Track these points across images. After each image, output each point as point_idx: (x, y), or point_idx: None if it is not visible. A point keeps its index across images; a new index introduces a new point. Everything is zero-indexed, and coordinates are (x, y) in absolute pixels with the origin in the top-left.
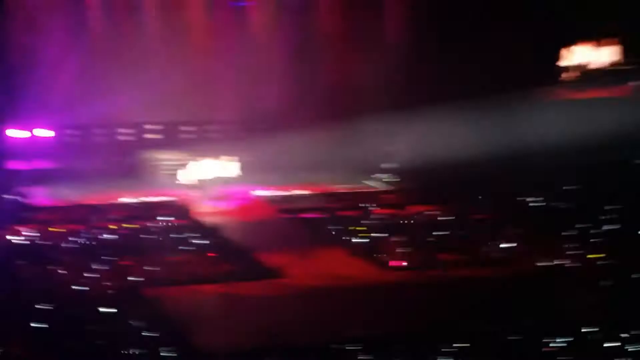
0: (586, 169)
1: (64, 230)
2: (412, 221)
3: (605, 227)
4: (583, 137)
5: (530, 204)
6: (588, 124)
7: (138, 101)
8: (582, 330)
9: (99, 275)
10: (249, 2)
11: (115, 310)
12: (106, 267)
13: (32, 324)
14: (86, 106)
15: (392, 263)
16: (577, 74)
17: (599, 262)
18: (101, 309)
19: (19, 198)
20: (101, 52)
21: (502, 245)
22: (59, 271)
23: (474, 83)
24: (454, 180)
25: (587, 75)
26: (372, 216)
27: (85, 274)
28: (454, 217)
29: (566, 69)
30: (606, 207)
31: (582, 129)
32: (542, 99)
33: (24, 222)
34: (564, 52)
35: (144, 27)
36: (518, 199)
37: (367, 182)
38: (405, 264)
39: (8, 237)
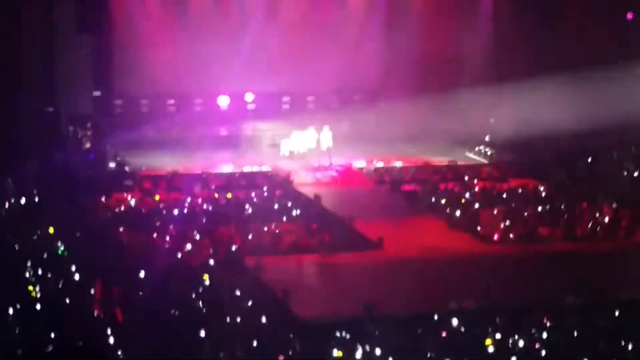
0: None
1: (167, 198)
2: (512, 194)
3: None
4: None
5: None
6: None
7: (238, 71)
8: None
9: (200, 244)
10: None
11: (216, 278)
12: (207, 236)
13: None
14: (187, 76)
15: (492, 236)
16: None
17: None
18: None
19: (122, 166)
20: (203, 23)
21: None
22: (161, 239)
23: (575, 55)
24: (555, 153)
25: None
26: (472, 189)
27: (186, 243)
28: (554, 191)
29: None
30: None
31: None
32: None
33: (128, 190)
34: None
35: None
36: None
37: (468, 155)
38: (505, 236)
39: (112, 204)
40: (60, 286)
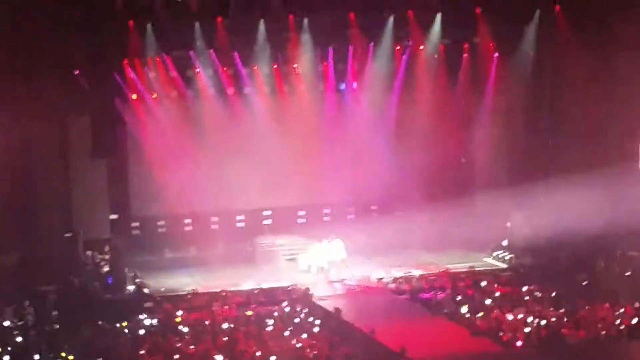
0: None
1: (187, 318)
2: (532, 298)
3: None
4: None
5: None
6: None
7: (253, 188)
8: None
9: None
10: (352, 87)
11: None
12: (228, 355)
13: None
14: (202, 195)
15: (515, 341)
16: None
17: None
18: None
19: (142, 288)
20: (217, 142)
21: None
22: None
23: (589, 155)
24: (574, 255)
25: None
26: (492, 294)
27: None
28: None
29: None
30: None
31: None
32: None
33: (148, 312)
34: None
35: (254, 113)
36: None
37: (486, 260)
38: (528, 340)
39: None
40: None
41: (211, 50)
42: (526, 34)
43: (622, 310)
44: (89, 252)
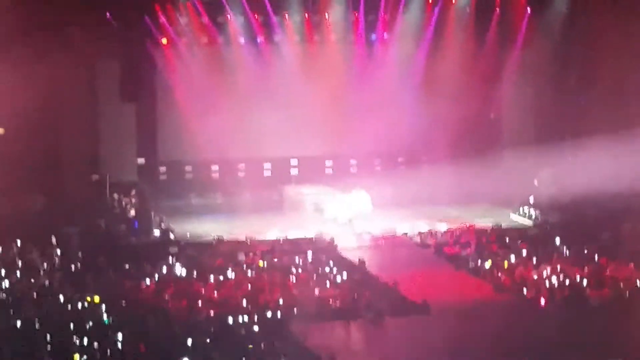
0: None
1: (212, 264)
2: (557, 256)
3: None
4: None
5: None
6: None
7: (281, 137)
8: None
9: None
10: (383, 37)
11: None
12: (252, 303)
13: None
14: (230, 142)
15: (539, 299)
16: None
17: None
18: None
19: (167, 233)
20: (246, 90)
21: None
22: (206, 307)
23: (618, 115)
24: (600, 214)
25: None
26: (518, 251)
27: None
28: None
29: None
30: None
31: None
32: None
33: (174, 257)
34: None
35: (283, 61)
36: None
37: (512, 217)
38: (551, 298)
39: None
40: (106, 355)
41: None
42: None
43: None
44: (115, 195)
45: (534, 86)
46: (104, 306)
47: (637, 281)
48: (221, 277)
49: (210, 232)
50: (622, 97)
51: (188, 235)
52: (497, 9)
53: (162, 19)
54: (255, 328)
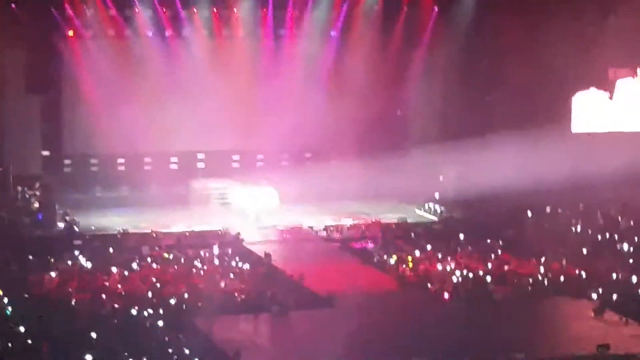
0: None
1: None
2: (461, 251)
3: None
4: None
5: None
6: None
7: (188, 131)
8: None
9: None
10: (291, 34)
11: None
12: (157, 296)
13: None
14: (137, 135)
15: (442, 293)
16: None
17: None
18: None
19: (72, 226)
20: (154, 84)
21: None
22: (110, 299)
23: (522, 114)
24: (504, 211)
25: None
26: (422, 246)
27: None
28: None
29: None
30: None
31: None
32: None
33: (78, 250)
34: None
35: (192, 55)
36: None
37: (418, 212)
38: (455, 293)
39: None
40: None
41: None
42: None
43: (548, 266)
44: (19, 188)
45: (441, 84)
46: (6, 299)
47: (539, 276)
48: (126, 271)
49: (115, 225)
50: (526, 96)
51: (93, 228)
52: (405, 8)
53: (69, 11)
54: (160, 321)
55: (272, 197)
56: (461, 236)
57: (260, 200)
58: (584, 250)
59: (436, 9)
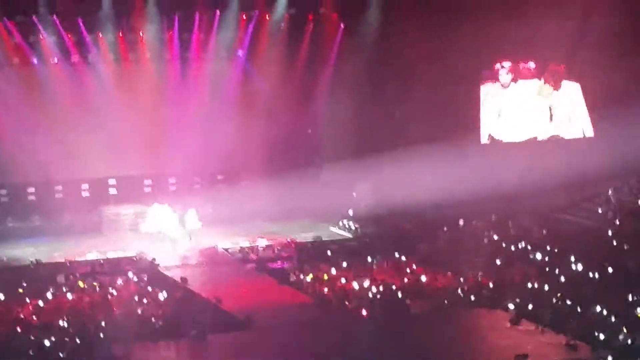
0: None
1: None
2: (377, 267)
3: None
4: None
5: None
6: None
7: (98, 157)
8: None
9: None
10: (197, 56)
11: None
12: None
13: None
14: (47, 164)
15: (360, 310)
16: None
17: None
18: None
19: None
20: (59, 108)
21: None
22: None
23: (433, 127)
24: (417, 225)
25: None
26: (338, 264)
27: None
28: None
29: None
30: None
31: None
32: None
33: None
34: None
35: (99, 80)
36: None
37: (333, 230)
38: (373, 310)
39: None
40: None
41: (54, 16)
42: (371, 5)
43: (463, 279)
44: None
45: (350, 100)
46: None
47: (455, 289)
48: (40, 301)
49: (28, 255)
50: (436, 108)
51: (5, 259)
52: (311, 25)
53: None
54: (76, 350)
55: (195, 219)
56: (376, 252)
57: (187, 222)
58: (498, 261)
59: (342, 25)
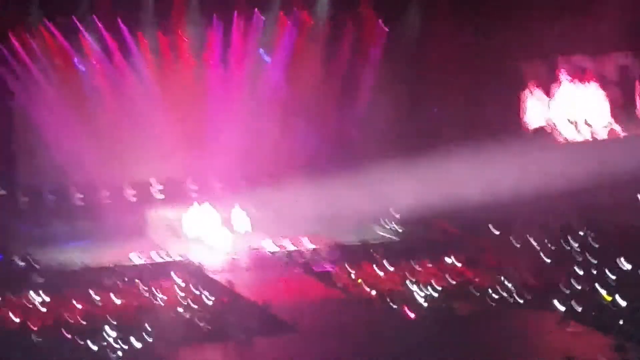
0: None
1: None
2: (423, 269)
3: None
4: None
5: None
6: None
7: (142, 159)
8: None
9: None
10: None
11: None
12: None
13: None
14: (92, 167)
15: (405, 310)
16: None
17: None
18: None
19: (29, 261)
20: (102, 110)
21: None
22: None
23: (473, 125)
24: (462, 227)
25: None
26: (384, 267)
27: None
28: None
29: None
30: None
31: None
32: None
33: (36, 287)
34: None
35: (143, 83)
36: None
37: (378, 232)
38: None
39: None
40: None
41: (94, 16)
42: (411, 5)
43: (510, 280)
44: None
45: (390, 100)
46: None
47: (501, 290)
48: (87, 305)
49: (75, 259)
50: (477, 104)
51: (52, 264)
52: (351, 24)
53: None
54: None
55: (243, 218)
56: (420, 254)
57: (222, 226)
58: (545, 262)
59: (382, 25)
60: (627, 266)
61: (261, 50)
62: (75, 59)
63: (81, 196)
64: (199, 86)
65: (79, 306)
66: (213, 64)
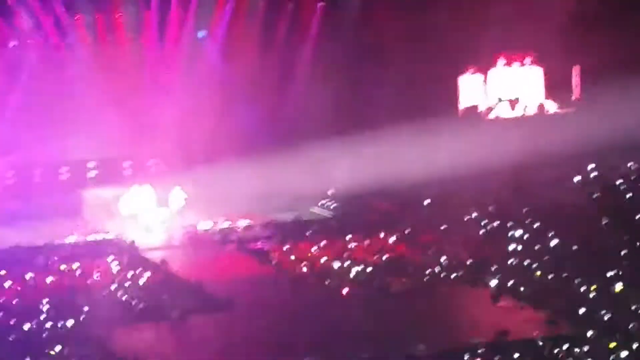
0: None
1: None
2: (357, 246)
3: None
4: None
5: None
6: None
7: (77, 139)
8: None
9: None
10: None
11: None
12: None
13: None
14: (24, 146)
15: (342, 289)
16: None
17: None
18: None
19: None
20: (37, 90)
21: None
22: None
23: (411, 105)
24: (398, 204)
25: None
26: (318, 243)
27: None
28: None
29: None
30: None
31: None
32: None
33: None
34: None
35: (80, 63)
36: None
37: (312, 210)
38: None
39: None
40: None
41: None
42: None
43: (443, 256)
44: None
45: (329, 79)
46: None
47: (435, 266)
48: (19, 285)
49: (6, 239)
50: (416, 85)
51: None
52: (289, 4)
53: None
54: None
55: (180, 197)
56: (355, 231)
57: (157, 205)
58: (478, 237)
59: (320, 4)
60: (559, 241)
61: (198, 30)
62: (10, 37)
63: (15, 175)
64: (136, 65)
65: (11, 285)
66: (150, 43)
